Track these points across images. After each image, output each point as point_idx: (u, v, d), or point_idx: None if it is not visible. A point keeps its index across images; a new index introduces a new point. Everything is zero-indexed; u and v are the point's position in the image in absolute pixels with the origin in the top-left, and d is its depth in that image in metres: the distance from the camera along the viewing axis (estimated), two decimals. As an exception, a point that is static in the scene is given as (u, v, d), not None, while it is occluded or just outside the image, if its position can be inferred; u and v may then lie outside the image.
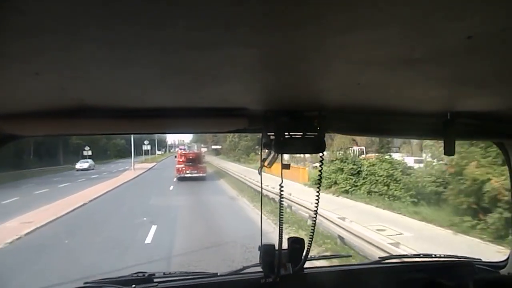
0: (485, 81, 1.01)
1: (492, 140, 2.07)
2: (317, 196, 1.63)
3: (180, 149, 31.53)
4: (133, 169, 34.56)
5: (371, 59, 0.80)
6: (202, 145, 49.75)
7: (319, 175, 1.61)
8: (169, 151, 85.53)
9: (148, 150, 52.91)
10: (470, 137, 2.19)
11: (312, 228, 1.75)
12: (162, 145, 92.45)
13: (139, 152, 60.03)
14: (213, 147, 59.50)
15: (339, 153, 26.39)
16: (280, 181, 1.52)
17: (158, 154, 77.87)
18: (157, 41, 0.66)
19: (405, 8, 0.54)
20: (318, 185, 1.62)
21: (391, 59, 0.80)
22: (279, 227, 1.71)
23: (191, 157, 26.49)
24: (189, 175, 25.38)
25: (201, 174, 25.82)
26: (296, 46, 0.72)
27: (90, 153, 42.02)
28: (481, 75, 0.96)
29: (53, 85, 0.98)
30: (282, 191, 1.60)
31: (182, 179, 25.33)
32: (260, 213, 1.79)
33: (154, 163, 46.30)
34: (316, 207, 1.67)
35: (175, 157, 29.71)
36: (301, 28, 0.61)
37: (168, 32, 0.62)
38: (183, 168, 25.64)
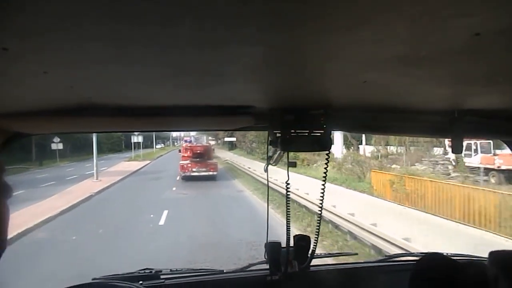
0: (493, 79, 1.06)
1: (500, 138, 2.14)
2: (322, 191, 1.77)
3: (185, 141, 27.61)
4: (95, 177, 21.89)
5: (377, 57, 0.85)
6: (210, 138, 40.48)
7: (325, 172, 1.75)
8: (173, 144, 76.62)
9: (139, 143, 43.19)
10: (478, 135, 2.32)
11: (318, 225, 1.89)
12: (166, 137, 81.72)
13: (129, 146, 49.10)
14: (227, 139, 49.74)
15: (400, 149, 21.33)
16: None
17: (157, 148, 66.01)
18: (163, 40, 0.71)
19: (412, 5, 0.57)
20: (324, 181, 1.74)
21: (398, 57, 0.84)
22: (287, 224, 1.84)
23: (198, 151, 23.36)
24: (196, 173, 22.13)
25: (211, 173, 22.60)
26: (302, 44, 0.76)
27: (60, 146, 32.76)
28: (489, 73, 1.00)
29: (61, 84, 1.05)
30: (288, 188, 1.75)
31: (187, 179, 21.93)
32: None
33: (147, 162, 36.54)
34: (321, 202, 1.80)
35: (179, 151, 25.97)
36: (307, 26, 0.65)
37: (174, 31, 0.66)
38: (189, 165, 22.48)
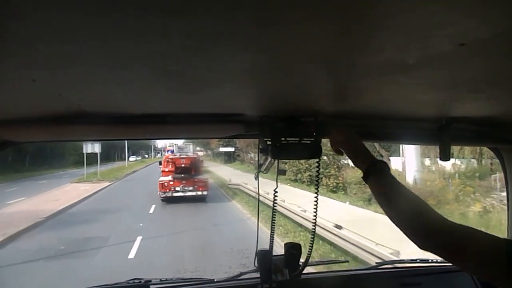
0: (479, 87, 1.15)
1: (487, 145, 2.31)
2: (316, 201, 1.86)
3: (168, 151, 23.31)
4: None
5: (365, 65, 0.91)
6: (198, 148, 31.16)
7: (317, 180, 1.86)
8: (155, 156, 68.09)
9: (95, 154, 31.09)
10: (466, 142, 2.47)
11: (312, 234, 2.00)
12: (148, 147, 73.40)
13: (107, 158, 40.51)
14: (222, 149, 41.37)
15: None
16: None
17: (131, 161, 55.90)
18: (153, 48, 0.76)
19: (399, 15, 0.62)
20: (316, 189, 1.84)
21: (385, 65, 0.91)
22: (271, 232, 1.95)
23: (183, 165, 19.58)
24: (180, 193, 18.19)
25: (199, 193, 18.52)
26: (291, 52, 0.82)
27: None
28: (475, 81, 1.09)
29: (51, 91, 1.11)
30: (276, 196, 1.85)
31: (169, 200, 17.80)
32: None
33: (103, 185, 26.05)
34: (315, 212, 1.89)
35: (160, 163, 21.55)
36: (296, 34, 0.70)
37: (164, 40, 0.71)
38: (171, 183, 18.35)
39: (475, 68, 0.96)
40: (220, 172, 32.87)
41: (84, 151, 30.71)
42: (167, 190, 18.12)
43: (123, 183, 29.02)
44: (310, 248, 1.98)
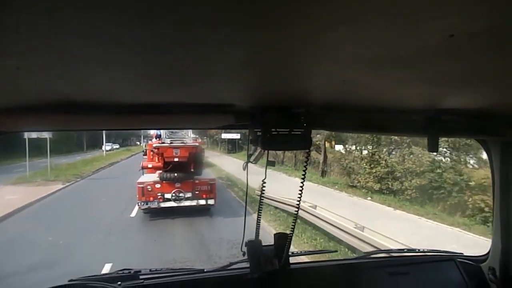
0: (467, 79, 1.19)
1: (475, 137, 2.43)
2: (300, 190, 1.94)
3: (157, 137, 13.85)
4: None
5: (355, 57, 0.94)
6: (193, 136, 26.25)
7: (304, 170, 1.94)
8: (145, 143, 67.39)
9: (45, 140, 22.71)
10: (454, 134, 2.50)
11: (293, 222, 2.09)
12: (137, 135, 66.48)
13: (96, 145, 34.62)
14: (225, 136, 35.26)
15: None
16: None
17: (107, 151, 47.89)
18: (143, 39, 0.77)
19: (389, 6, 0.64)
20: (302, 179, 1.91)
21: (375, 57, 0.93)
22: (257, 222, 2.03)
23: (178, 159, 12.51)
24: (172, 203, 12.48)
25: (202, 202, 12.80)
26: (282, 44, 0.84)
27: None
28: (464, 73, 1.12)
29: (37, 80, 1.11)
30: (264, 187, 1.93)
31: (154, 214, 12.18)
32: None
33: (48, 191, 17.98)
34: (299, 200, 1.98)
35: (144, 154, 15.50)
36: (286, 26, 0.72)
37: (155, 31, 0.72)
38: (157, 187, 12.42)
39: (465, 61, 0.99)
40: (228, 166, 24.73)
41: (26, 136, 21.66)
42: (151, 199, 12.25)
43: (84, 186, 20.54)
44: (291, 236, 2.12)
